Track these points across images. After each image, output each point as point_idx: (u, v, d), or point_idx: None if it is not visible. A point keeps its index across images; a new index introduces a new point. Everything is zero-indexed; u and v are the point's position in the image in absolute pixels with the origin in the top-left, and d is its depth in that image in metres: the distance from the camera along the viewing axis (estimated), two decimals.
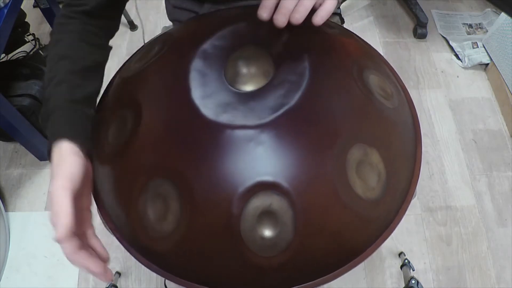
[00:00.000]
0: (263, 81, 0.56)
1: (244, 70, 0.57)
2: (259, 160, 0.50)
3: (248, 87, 0.56)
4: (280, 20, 0.57)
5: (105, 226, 0.62)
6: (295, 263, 0.51)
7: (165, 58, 0.63)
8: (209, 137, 0.52)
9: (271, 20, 0.59)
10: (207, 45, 0.60)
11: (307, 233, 0.51)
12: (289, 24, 0.60)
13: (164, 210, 0.53)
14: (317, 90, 0.55)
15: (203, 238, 0.52)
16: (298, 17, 0.57)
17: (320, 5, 0.58)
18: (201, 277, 0.54)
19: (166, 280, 1.33)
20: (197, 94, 0.55)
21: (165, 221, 0.53)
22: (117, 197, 0.59)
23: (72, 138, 0.59)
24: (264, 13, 0.59)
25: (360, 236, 0.55)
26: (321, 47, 0.62)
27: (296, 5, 0.57)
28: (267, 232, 0.50)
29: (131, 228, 0.57)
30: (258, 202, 0.50)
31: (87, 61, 0.68)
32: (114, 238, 0.60)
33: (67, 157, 0.57)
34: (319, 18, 0.58)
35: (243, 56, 0.58)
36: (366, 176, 0.54)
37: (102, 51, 0.75)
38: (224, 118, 0.53)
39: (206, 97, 0.55)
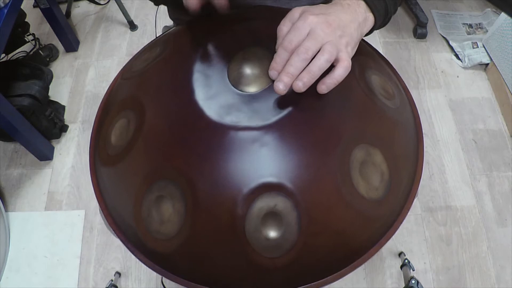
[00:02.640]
0: (267, 82, 0.56)
1: (247, 71, 0.57)
2: (263, 161, 0.51)
3: (252, 89, 0.56)
4: (278, 88, 0.51)
5: (107, 227, 0.62)
6: (299, 263, 0.51)
7: (168, 59, 0.63)
8: (213, 139, 0.52)
9: (271, 21, 0.59)
10: (210, 46, 0.60)
11: (311, 234, 0.51)
12: None
13: (169, 211, 0.53)
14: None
15: (208, 239, 0.52)
16: (301, 86, 0.51)
17: (332, 69, 0.53)
18: (205, 278, 0.54)
19: (164, 279, 1.33)
20: (200, 95, 0.55)
21: (170, 222, 0.53)
22: (121, 199, 0.59)
23: None
24: (271, 73, 0.53)
25: (364, 236, 0.55)
26: None
27: (303, 70, 0.51)
28: (272, 233, 0.50)
29: (135, 230, 0.57)
30: (263, 203, 0.50)
31: None
32: (114, 238, 0.60)
33: None
34: (324, 87, 0.52)
35: (246, 57, 0.58)
36: (370, 176, 0.54)
37: None
38: (228, 119, 0.53)
39: (209, 99, 0.55)
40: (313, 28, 0.53)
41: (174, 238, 0.53)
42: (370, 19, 0.60)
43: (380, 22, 0.63)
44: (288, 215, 0.50)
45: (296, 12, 0.56)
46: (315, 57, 0.52)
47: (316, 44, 0.52)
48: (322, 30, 0.53)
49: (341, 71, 0.52)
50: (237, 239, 0.50)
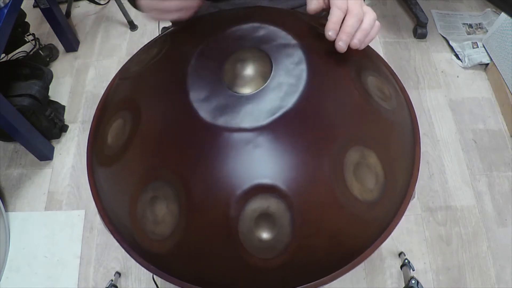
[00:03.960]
0: (261, 83, 0.56)
1: (242, 72, 0.57)
2: (257, 162, 0.51)
3: (246, 90, 0.56)
4: (340, 47, 0.57)
5: (105, 227, 0.62)
6: (293, 265, 0.51)
7: (164, 60, 0.63)
8: (207, 140, 0.52)
9: (267, 22, 0.59)
10: (205, 48, 0.60)
11: (305, 235, 0.51)
12: (286, 25, 0.60)
13: (163, 212, 0.53)
14: (314, 93, 0.55)
15: (202, 240, 0.52)
16: (357, 43, 0.58)
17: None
18: (199, 278, 0.54)
19: (155, 277, 1.33)
20: (195, 96, 0.55)
21: (164, 223, 0.53)
22: (117, 199, 0.59)
23: None
24: (331, 33, 0.57)
25: (359, 238, 0.55)
26: (319, 49, 0.62)
27: (356, 30, 0.58)
28: (265, 234, 0.50)
29: (131, 230, 0.57)
30: (256, 205, 0.50)
31: None
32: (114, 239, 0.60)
33: None
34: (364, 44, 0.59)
35: (241, 59, 0.58)
36: (364, 178, 0.54)
37: None
38: (222, 120, 0.53)
39: (204, 100, 0.55)
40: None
41: (168, 239, 0.53)
42: None
43: None
44: (281, 217, 0.50)
45: None
46: (364, 18, 0.58)
47: (360, 8, 0.58)
48: (357, 2, 0.59)
49: (377, 29, 0.60)
50: (230, 240, 0.50)
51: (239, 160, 0.51)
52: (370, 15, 0.59)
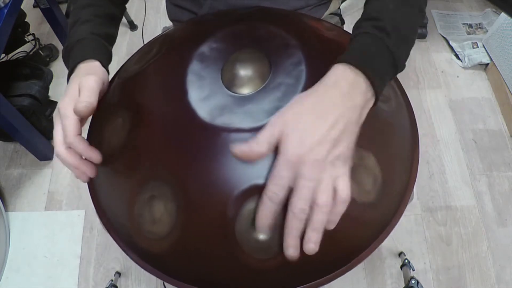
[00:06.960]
0: (260, 84, 0.56)
1: (241, 73, 0.57)
2: (254, 163, 0.50)
3: (245, 90, 0.55)
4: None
5: (102, 226, 0.63)
6: (290, 265, 0.51)
7: (163, 60, 0.63)
8: (205, 140, 0.52)
9: (266, 23, 0.58)
10: (204, 48, 0.60)
11: (302, 236, 0.50)
12: (285, 26, 0.59)
13: (160, 212, 0.53)
14: None
15: (199, 240, 0.52)
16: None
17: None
18: (196, 278, 0.54)
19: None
20: (194, 96, 0.55)
21: (161, 223, 0.53)
22: (114, 199, 0.59)
23: (94, 58, 0.66)
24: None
25: (356, 239, 0.55)
26: (318, 50, 0.62)
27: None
28: (262, 235, 0.50)
29: (128, 229, 0.57)
30: (253, 205, 0.50)
31: (109, 10, 0.75)
32: None
33: (83, 77, 0.61)
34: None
35: (240, 59, 0.58)
36: (362, 180, 0.53)
37: (120, 9, 0.83)
38: (220, 121, 0.53)
39: (202, 100, 0.55)
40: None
41: (165, 238, 0.53)
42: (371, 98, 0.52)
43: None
44: (278, 217, 0.50)
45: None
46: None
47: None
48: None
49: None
50: (227, 240, 0.50)
51: (237, 161, 0.50)
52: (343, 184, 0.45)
